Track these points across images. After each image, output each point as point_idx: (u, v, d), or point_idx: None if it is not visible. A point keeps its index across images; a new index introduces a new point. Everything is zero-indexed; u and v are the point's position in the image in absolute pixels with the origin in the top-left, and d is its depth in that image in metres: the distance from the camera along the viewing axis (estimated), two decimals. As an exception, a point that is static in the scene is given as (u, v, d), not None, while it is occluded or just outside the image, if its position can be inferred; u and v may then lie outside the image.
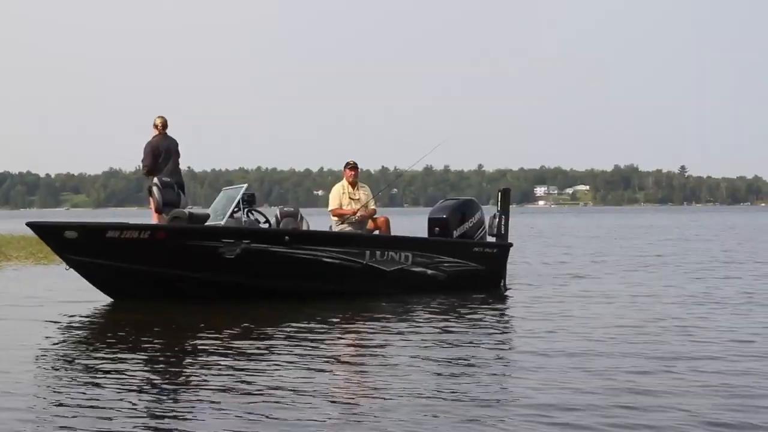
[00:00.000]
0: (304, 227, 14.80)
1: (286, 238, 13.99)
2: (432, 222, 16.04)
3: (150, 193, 14.73)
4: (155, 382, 8.12)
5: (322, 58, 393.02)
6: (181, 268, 13.50)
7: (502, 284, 16.03)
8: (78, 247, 13.32)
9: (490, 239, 16.17)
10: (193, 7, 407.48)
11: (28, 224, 13.66)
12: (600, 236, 41.81)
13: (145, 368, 8.70)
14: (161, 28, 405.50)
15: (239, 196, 14.46)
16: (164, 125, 15.32)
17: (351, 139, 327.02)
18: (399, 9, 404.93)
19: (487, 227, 16.16)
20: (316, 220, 17.52)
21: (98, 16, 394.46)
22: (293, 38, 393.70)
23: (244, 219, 14.38)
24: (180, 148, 15.46)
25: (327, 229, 15.55)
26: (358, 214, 15.37)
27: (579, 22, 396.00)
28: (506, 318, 12.50)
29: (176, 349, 9.82)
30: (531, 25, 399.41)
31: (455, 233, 15.76)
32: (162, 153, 15.17)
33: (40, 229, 13.58)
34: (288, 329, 11.09)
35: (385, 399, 7.27)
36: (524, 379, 8.02)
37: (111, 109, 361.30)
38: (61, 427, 6.51)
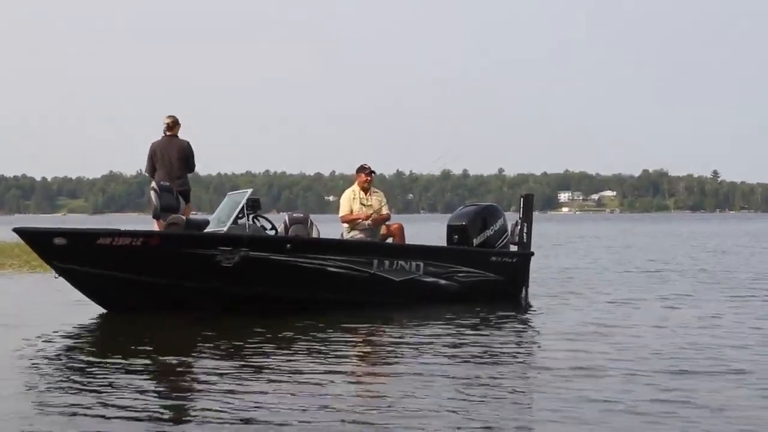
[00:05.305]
0: (314, 234, 14.71)
1: (288, 245, 13.86)
2: (451, 229, 15.88)
3: (149, 198, 14.67)
4: (147, 398, 7.97)
5: (332, 56, 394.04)
6: (176, 277, 13.40)
7: (522, 296, 15.81)
8: (67, 255, 13.21)
9: (513, 248, 15.93)
10: (199, 5, 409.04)
11: (15, 230, 13.56)
12: (631, 245, 41.50)
13: (137, 384, 8.53)
14: (165, 27, 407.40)
15: (243, 201, 14.33)
16: (169, 126, 15.23)
17: (364, 141, 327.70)
18: (413, 7, 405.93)
19: (509, 235, 15.94)
20: (327, 227, 17.35)
21: (98, 15, 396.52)
22: (301, 37, 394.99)
23: (248, 225, 14.22)
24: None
25: (338, 236, 15.43)
26: (371, 219, 15.19)
27: (605, 22, 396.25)
28: (525, 334, 12.25)
29: (171, 362, 9.70)
30: (556, 23, 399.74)
31: (475, 241, 15.58)
32: (160, 155, 15.04)
33: (27, 235, 13.46)
34: (288, 342, 10.96)
35: (394, 417, 7.09)
36: (542, 402, 7.78)
37: (111, 109, 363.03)
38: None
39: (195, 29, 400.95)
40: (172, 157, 15.08)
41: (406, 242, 15.64)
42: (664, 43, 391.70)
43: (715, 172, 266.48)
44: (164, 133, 15.29)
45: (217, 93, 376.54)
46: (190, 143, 15.32)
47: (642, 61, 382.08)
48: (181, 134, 15.34)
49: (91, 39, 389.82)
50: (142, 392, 8.19)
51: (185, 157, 15.19)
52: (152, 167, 15.19)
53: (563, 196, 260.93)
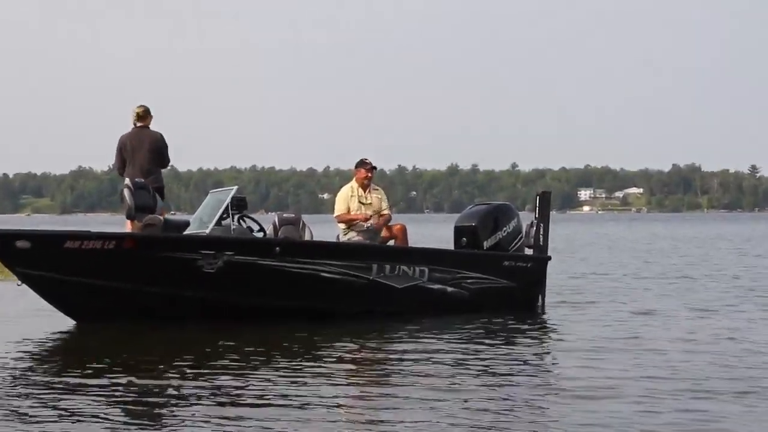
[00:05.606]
0: (307, 236, 14.75)
1: (277, 249, 13.93)
2: (459, 231, 15.91)
3: (122, 196, 14.70)
4: (104, 426, 7.89)
5: (330, 45, 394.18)
6: (152, 284, 13.43)
7: (538, 305, 15.89)
8: (31, 260, 13.24)
9: (528, 251, 16.01)
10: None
11: (-30, 232, 13.58)
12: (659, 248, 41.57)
13: (94, 409, 8.45)
14: (139, 12, 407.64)
15: (228, 200, 14.39)
16: (140, 117, 15.30)
17: (361, 133, 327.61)
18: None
19: (524, 237, 16.00)
20: (322, 229, 17.36)
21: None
22: (295, 19, 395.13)
23: (233, 227, 14.29)
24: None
25: (334, 238, 15.49)
26: (371, 221, 15.22)
27: (627, 4, 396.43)
28: (537, 348, 12.30)
29: (137, 383, 9.64)
30: (572, 6, 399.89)
31: (486, 244, 15.62)
32: (130, 149, 15.11)
33: (-15, 238, 13.50)
34: (272, 359, 11.02)
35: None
36: (551, 428, 7.82)
37: (81, 98, 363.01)
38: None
39: (172, 10, 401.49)
40: (143, 150, 15.14)
41: (409, 245, 15.71)
42: (695, 26, 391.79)
43: (754, 167, 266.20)
44: (134, 124, 15.35)
45: (195, 80, 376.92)
46: (163, 135, 15.38)
47: (670, 45, 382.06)
48: (154, 126, 15.41)
49: (54, 22, 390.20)
50: (99, 419, 8.04)
51: (158, 149, 15.24)
52: (122, 162, 15.27)
53: (584, 194, 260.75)
